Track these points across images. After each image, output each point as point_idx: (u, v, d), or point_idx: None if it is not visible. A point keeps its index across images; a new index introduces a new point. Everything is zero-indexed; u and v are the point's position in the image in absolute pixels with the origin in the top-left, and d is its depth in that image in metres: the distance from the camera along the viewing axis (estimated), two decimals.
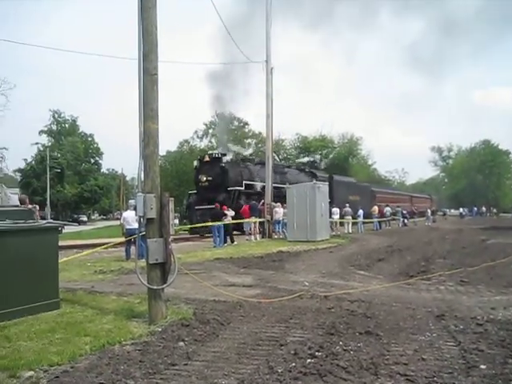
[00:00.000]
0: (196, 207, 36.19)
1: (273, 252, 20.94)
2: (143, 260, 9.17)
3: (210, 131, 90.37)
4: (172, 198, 8.84)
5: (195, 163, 39.69)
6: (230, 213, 26.90)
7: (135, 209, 9.11)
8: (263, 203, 33.09)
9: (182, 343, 7.26)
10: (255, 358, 6.51)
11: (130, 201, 17.68)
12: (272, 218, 31.36)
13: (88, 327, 8.15)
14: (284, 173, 44.13)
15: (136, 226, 12.20)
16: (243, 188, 37.28)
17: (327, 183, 34.33)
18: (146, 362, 6.40)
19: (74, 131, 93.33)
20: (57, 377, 5.93)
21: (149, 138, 8.78)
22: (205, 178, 37.28)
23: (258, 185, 37.99)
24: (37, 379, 5.86)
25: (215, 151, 40.86)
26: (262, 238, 30.48)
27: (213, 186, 36.50)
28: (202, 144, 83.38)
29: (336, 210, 37.03)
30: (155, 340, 7.44)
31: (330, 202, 39.07)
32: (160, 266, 8.58)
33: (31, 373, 6.06)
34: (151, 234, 8.59)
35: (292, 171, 47.39)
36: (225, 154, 38.82)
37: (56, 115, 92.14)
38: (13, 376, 5.96)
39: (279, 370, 5.97)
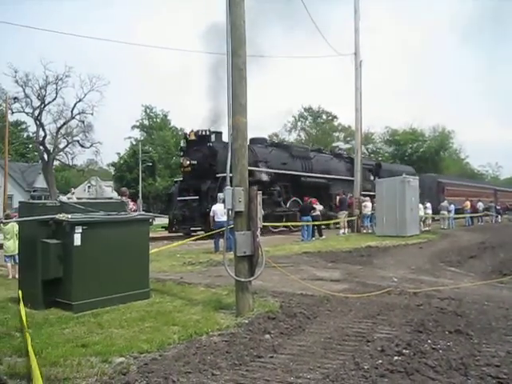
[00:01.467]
0: (178, 198, 29.30)
1: (361, 247, 20.68)
2: (231, 252, 9.25)
3: (299, 124, 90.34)
4: (260, 192, 8.88)
5: (182, 143, 32.36)
6: (319, 207, 26.74)
7: (224, 202, 9.20)
8: (351, 197, 32.10)
9: (268, 336, 7.27)
10: (341, 354, 6.44)
11: (219, 194, 17.85)
12: (361, 212, 30.91)
13: (177, 317, 8.32)
14: (308, 158, 36.17)
15: (224, 218, 12.31)
16: None
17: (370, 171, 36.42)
18: (232, 353, 6.45)
19: (165, 125, 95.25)
20: (146, 364, 6.07)
21: (237, 132, 8.85)
22: (188, 162, 29.76)
23: (263, 172, 30.66)
24: (127, 365, 6.02)
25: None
26: (351, 232, 30.14)
27: (198, 172, 28.97)
28: (291, 138, 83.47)
29: (429, 205, 35.12)
30: (242, 332, 7.49)
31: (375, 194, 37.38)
32: (248, 258, 8.62)
33: (122, 359, 6.23)
34: (239, 227, 8.65)
35: (322, 157, 38.90)
36: (220, 132, 30.10)
37: (148, 110, 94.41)
38: (105, 361, 6.15)
39: (365, 367, 5.87)
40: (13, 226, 12.25)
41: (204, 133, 29.77)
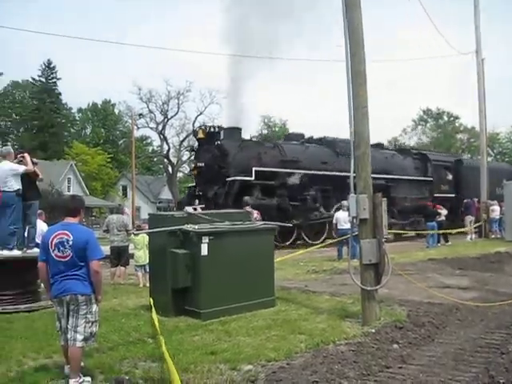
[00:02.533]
0: (186, 207, 25.30)
1: (490, 253, 19.79)
2: (355, 260, 9.16)
3: (419, 128, 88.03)
4: (385, 199, 8.74)
5: (196, 144, 28.66)
6: (444, 211, 25.88)
7: (348, 209, 9.13)
8: (478, 201, 29.81)
9: (396, 345, 7.14)
10: (473, 366, 6.20)
11: (343, 202, 17.76)
12: (488, 217, 29.54)
13: (302, 325, 8.33)
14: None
15: (348, 226, 12.21)
16: (253, 178, 24.68)
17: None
18: (359, 362, 6.38)
19: (284, 134, 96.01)
20: (274, 372, 6.11)
21: (359, 139, 8.79)
22: (193, 165, 26.83)
23: (291, 174, 26.21)
24: (255, 373, 6.09)
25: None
26: (478, 237, 28.93)
27: (206, 176, 25.34)
28: (412, 142, 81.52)
29: None
30: (369, 341, 7.39)
31: (456, 196, 32.89)
32: (373, 266, 8.50)
33: (250, 367, 6.32)
34: (364, 235, 8.55)
35: (381, 153, 31.30)
36: (236, 128, 26.63)
37: (266, 120, 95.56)
38: (233, 368, 6.26)
39: (501, 381, 5.61)
40: (143, 237, 12.75)
41: (213, 129, 26.36)
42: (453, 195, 32.53)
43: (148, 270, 11.55)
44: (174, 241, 9.23)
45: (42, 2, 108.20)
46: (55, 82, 78.43)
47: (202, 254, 8.95)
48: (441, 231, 24.68)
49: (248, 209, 16.81)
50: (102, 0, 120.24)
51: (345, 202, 16.84)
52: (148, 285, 11.02)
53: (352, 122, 8.91)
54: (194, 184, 26.81)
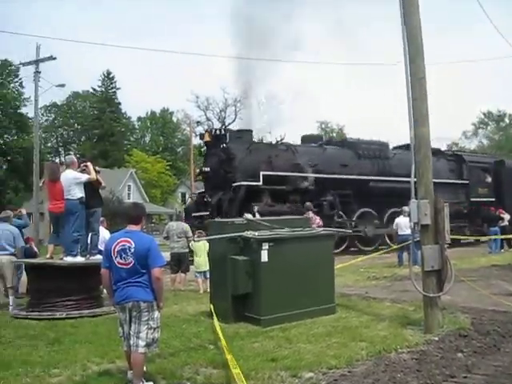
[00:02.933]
0: (193, 214, 23.65)
1: None
2: (416, 267, 9.02)
3: (480, 131, 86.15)
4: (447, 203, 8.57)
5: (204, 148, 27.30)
6: (507, 216, 25.17)
7: (409, 215, 9.00)
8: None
9: (460, 354, 6.98)
10: None
11: (404, 208, 17.46)
12: None
13: (363, 333, 8.24)
14: (385, 157, 28.27)
15: (408, 232, 12.03)
16: (260, 183, 23.07)
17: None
18: (423, 371, 6.26)
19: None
20: (335, 380, 6.07)
21: (420, 142, 8.67)
22: (202, 170, 25.53)
23: (304, 178, 24.66)
24: (317, 381, 6.06)
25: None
26: None
27: (213, 181, 24.18)
28: (472, 145, 79.81)
29: None
30: (432, 349, 7.25)
31: (496, 200, 30.00)
32: (436, 273, 8.34)
33: (311, 374, 6.28)
34: (426, 241, 8.40)
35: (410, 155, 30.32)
36: (247, 131, 25.75)
37: (323, 125, 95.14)
38: (294, 376, 6.24)
39: None
40: (204, 244, 12.85)
41: (219, 132, 25.12)
42: (492, 199, 30.41)
43: (208, 276, 11.64)
44: (234, 247, 9.28)
45: (101, 14, 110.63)
46: (115, 92, 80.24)
47: (262, 260, 8.97)
48: (503, 236, 23.94)
49: (310, 214, 16.73)
50: (161, 10, 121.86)
51: (405, 208, 16.55)
52: (208, 291, 11.11)
53: (412, 126, 8.79)
54: (203, 190, 25.79)
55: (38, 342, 8.13)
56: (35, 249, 14.20)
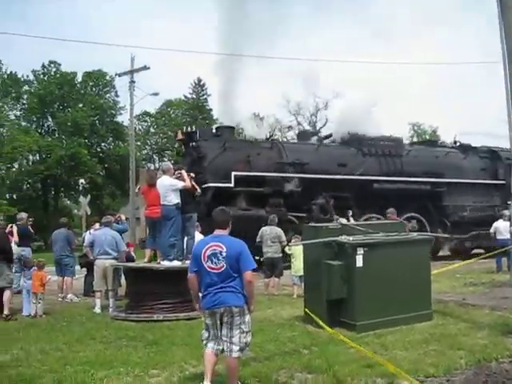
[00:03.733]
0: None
1: None
2: None
3: None
4: None
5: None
6: None
7: (509, 219, 8.71)
8: None
9: None
10: None
11: (504, 211, 16.74)
12: None
13: (462, 341, 8.01)
14: (396, 155, 25.02)
15: (508, 236, 11.61)
16: (232, 184, 21.06)
17: None
18: None
19: (437, 142, 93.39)
20: None
21: None
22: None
23: (288, 179, 22.26)
24: None
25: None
26: None
27: None
28: None
29: None
30: None
31: None
32: None
33: (408, 382, 6.15)
34: None
35: (428, 152, 26.96)
36: (223, 127, 23.63)
37: (415, 127, 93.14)
38: (390, 383, 6.15)
39: None
40: (300, 248, 12.78)
41: (189, 130, 23.30)
42: None
43: (302, 280, 11.64)
44: (328, 252, 9.25)
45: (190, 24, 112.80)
46: (206, 99, 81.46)
47: (357, 265, 8.90)
48: None
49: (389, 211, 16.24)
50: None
51: (506, 212, 15.93)
52: (302, 295, 11.11)
53: (511, 125, 8.51)
54: None
55: (137, 343, 8.41)
56: (133, 254, 14.67)
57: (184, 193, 11.08)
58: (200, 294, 6.20)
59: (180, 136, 23.26)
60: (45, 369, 6.94)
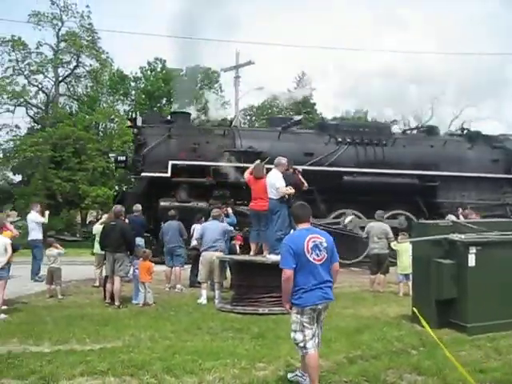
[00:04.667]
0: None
1: None
2: None
3: None
4: None
5: None
6: None
7: None
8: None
9: None
10: None
11: None
12: None
13: None
14: (379, 143, 21.95)
15: None
16: (168, 174, 19.84)
17: None
18: None
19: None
20: None
21: None
22: (117, 159, 22.71)
23: (225, 169, 20.03)
24: None
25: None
26: None
27: (128, 173, 21.95)
28: None
29: None
30: None
31: None
32: None
33: None
34: None
35: (425, 140, 23.63)
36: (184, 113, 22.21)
37: None
38: None
39: None
40: (406, 245, 12.47)
41: (132, 116, 22.15)
42: None
43: (410, 279, 11.36)
44: (438, 250, 8.96)
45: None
46: (310, 93, 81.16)
47: (470, 264, 8.56)
48: None
49: (466, 212, 15.50)
50: None
51: None
52: (408, 294, 10.85)
53: None
54: None
55: (243, 335, 8.47)
56: (238, 247, 14.80)
57: (293, 188, 11.01)
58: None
59: (129, 123, 22.73)
60: (154, 356, 7.12)
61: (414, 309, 9.21)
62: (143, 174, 19.86)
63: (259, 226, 11.56)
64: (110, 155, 22.27)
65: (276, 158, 11.48)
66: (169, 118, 23.08)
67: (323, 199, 20.28)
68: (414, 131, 27.62)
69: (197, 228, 13.94)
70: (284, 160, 11.35)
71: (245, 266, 11.20)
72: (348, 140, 21.62)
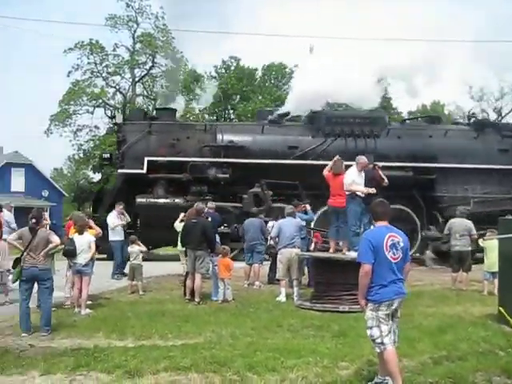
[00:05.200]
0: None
1: None
2: None
3: None
4: None
5: None
6: None
7: None
8: None
9: None
10: None
11: None
12: None
13: None
14: (369, 134, 20.89)
15: None
16: (144, 170, 19.78)
17: None
18: None
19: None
20: None
21: None
22: (102, 156, 23.16)
23: (202, 164, 20.10)
24: None
25: None
26: None
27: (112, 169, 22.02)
28: None
29: None
30: None
31: None
32: None
33: None
34: None
35: (424, 129, 22.28)
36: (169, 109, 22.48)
37: None
38: None
39: None
40: (495, 243, 11.98)
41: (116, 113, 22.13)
42: None
43: (496, 277, 10.97)
44: None
45: None
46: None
47: None
48: None
49: None
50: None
51: None
52: (494, 293, 10.52)
53: None
54: None
55: (323, 333, 8.42)
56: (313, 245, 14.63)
57: (371, 183, 10.86)
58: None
59: (119, 119, 22.43)
60: (236, 353, 7.15)
61: (501, 308, 8.96)
62: (119, 171, 20.20)
63: (338, 222, 11.44)
64: (96, 153, 21.56)
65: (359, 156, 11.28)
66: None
67: (309, 195, 19.18)
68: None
69: (275, 226, 13.98)
70: (363, 158, 11.17)
71: (324, 263, 11.11)
72: (337, 132, 20.84)
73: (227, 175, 20.00)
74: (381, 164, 18.35)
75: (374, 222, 6.47)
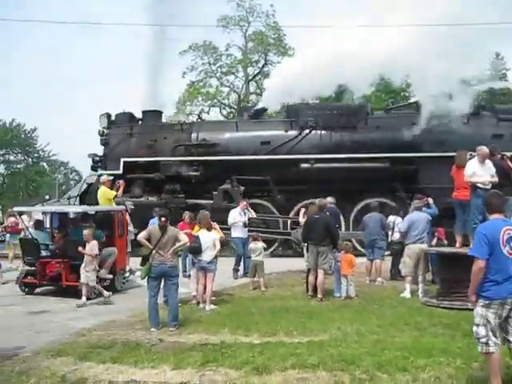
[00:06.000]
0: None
1: None
2: None
3: None
4: None
5: None
6: None
7: None
8: None
9: None
10: None
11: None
12: None
13: None
14: (352, 127, 20.28)
15: None
16: (120, 171, 20.48)
17: None
18: None
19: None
20: None
21: None
22: (93, 158, 22.74)
23: (175, 163, 20.91)
24: None
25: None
26: None
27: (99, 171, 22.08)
28: None
29: None
30: None
31: None
32: None
33: None
34: None
35: (391, 118, 20.97)
36: (156, 111, 22.99)
37: None
38: None
39: None
40: None
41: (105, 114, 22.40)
42: None
43: None
44: None
45: None
46: (504, 74, 76.36)
47: None
48: None
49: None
50: None
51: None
52: None
53: None
54: None
55: (453, 332, 8.09)
56: (445, 241, 14.00)
57: (501, 175, 10.36)
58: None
59: (113, 118, 23.14)
60: (363, 351, 7.04)
61: None
62: (102, 172, 20.61)
63: (464, 215, 11.00)
64: (88, 154, 22.80)
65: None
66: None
67: (281, 190, 19.82)
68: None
69: (396, 221, 13.69)
70: (484, 148, 10.62)
71: (450, 258, 10.69)
72: (311, 124, 20.43)
73: (198, 173, 20.74)
74: (356, 156, 19.27)
75: (487, 215, 6.09)
